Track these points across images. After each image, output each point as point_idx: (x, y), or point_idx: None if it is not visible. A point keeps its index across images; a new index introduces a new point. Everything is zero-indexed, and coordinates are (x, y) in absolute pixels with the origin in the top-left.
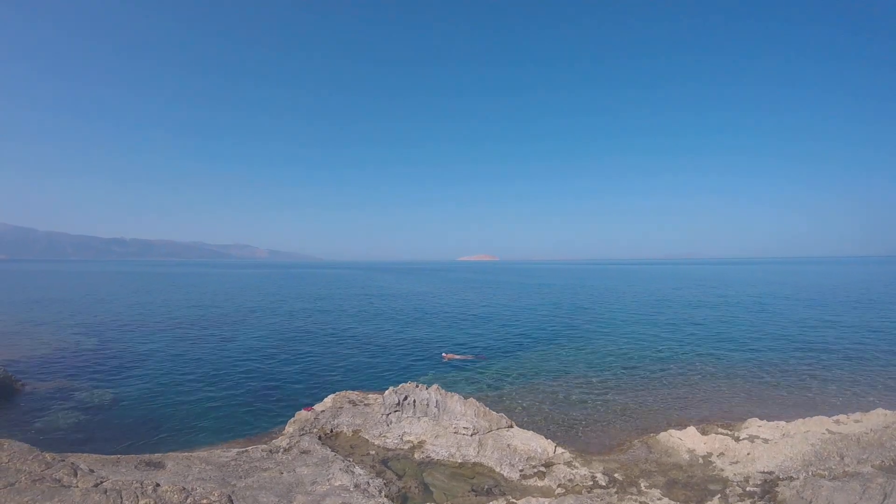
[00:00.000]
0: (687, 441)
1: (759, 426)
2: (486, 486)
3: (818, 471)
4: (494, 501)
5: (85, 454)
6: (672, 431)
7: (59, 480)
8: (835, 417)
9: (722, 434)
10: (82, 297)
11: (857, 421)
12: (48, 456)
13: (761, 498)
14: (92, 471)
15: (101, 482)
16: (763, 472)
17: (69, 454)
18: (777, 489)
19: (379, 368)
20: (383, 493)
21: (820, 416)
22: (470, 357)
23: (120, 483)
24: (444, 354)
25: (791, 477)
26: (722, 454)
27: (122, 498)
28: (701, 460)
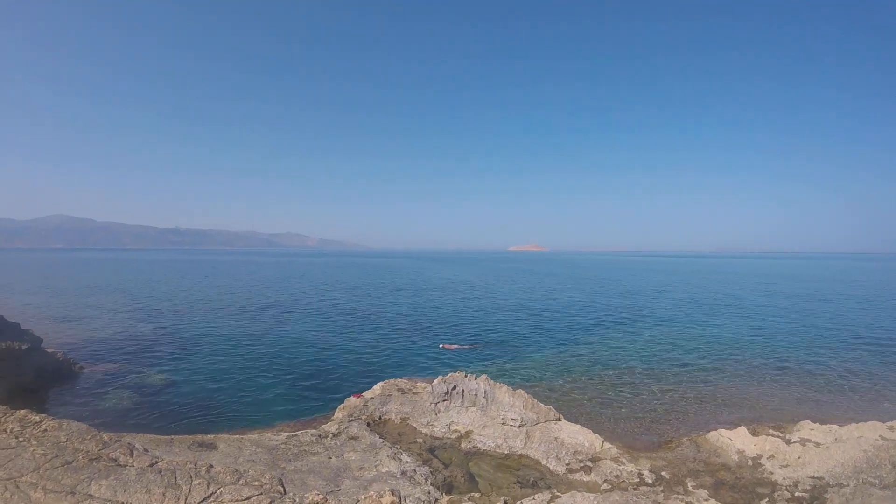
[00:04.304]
0: (737, 441)
1: (812, 429)
2: (532, 479)
3: (869, 478)
4: (539, 494)
5: (140, 434)
6: (722, 431)
7: (116, 460)
8: (889, 423)
9: (773, 436)
10: (138, 284)
11: None
12: (105, 436)
13: None
14: (147, 451)
15: (156, 462)
16: (813, 478)
17: (125, 434)
18: (826, 496)
19: (426, 357)
20: (429, 482)
21: (874, 421)
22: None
23: (174, 463)
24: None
25: (841, 484)
26: (772, 457)
27: (176, 477)
28: (750, 462)
